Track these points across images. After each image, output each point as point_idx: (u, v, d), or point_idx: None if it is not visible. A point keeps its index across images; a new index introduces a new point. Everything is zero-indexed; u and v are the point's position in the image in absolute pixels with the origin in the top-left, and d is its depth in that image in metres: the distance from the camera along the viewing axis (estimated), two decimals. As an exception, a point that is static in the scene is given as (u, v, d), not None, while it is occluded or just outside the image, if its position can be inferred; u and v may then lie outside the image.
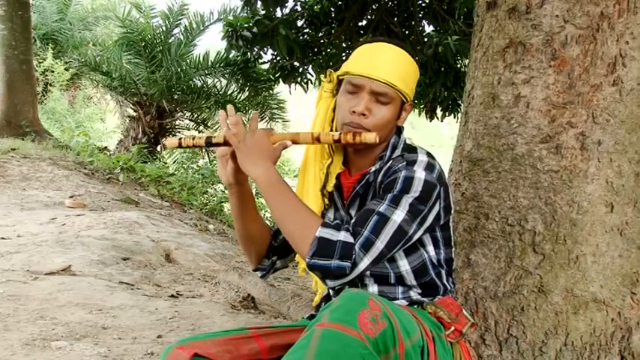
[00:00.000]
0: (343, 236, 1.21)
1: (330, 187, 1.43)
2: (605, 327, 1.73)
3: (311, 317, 1.44)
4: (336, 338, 1.05)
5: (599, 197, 1.74)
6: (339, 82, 1.43)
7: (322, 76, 1.47)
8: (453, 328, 1.36)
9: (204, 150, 11.09)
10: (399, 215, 1.25)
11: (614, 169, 1.74)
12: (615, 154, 1.74)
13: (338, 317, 1.07)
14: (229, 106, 1.38)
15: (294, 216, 1.27)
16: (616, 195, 1.74)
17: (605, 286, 1.73)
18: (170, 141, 1.39)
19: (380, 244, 1.23)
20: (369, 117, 1.35)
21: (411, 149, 1.39)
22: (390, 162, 1.37)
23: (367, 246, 1.21)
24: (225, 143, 1.35)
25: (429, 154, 1.37)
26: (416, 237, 1.30)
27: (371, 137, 1.32)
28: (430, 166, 1.32)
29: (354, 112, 1.34)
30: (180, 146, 1.37)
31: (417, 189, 1.28)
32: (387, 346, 1.09)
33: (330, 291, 1.47)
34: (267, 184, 1.29)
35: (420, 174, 1.30)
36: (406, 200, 1.27)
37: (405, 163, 1.33)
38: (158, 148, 1.41)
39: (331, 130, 1.42)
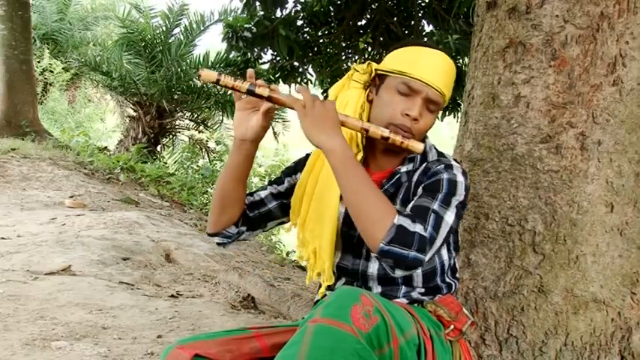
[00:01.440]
0: (419, 229, 1.20)
1: None
2: (605, 327, 1.73)
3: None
4: (329, 334, 1.05)
5: (599, 197, 1.74)
6: (377, 76, 1.40)
7: (357, 64, 1.42)
8: (452, 326, 1.36)
9: (204, 150, 11.11)
10: (449, 216, 1.27)
11: (614, 169, 1.74)
12: (615, 154, 1.74)
13: (330, 313, 1.08)
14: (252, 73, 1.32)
15: (372, 197, 1.22)
16: (616, 195, 1.74)
17: (605, 286, 1.73)
18: (207, 73, 1.28)
19: (438, 242, 1.24)
20: (419, 123, 1.35)
21: (443, 154, 1.41)
22: (426, 164, 1.37)
23: (431, 242, 1.22)
24: (268, 99, 1.29)
25: (456, 162, 1.39)
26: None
27: (419, 148, 1.32)
28: (464, 172, 1.35)
29: (407, 115, 1.33)
30: (217, 82, 1.28)
31: (460, 192, 1.30)
32: (380, 341, 1.10)
33: (327, 291, 1.47)
34: (345, 157, 1.23)
35: (460, 178, 1.32)
36: (454, 202, 1.29)
37: (443, 165, 1.34)
38: (198, 78, 1.30)
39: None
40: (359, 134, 1.39)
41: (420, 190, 1.32)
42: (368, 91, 1.42)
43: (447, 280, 1.41)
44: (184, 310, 2.82)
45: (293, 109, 1.29)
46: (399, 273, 1.23)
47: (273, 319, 2.92)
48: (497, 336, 1.76)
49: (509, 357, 1.74)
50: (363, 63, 1.42)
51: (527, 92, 1.79)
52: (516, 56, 1.82)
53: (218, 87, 10.62)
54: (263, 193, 1.48)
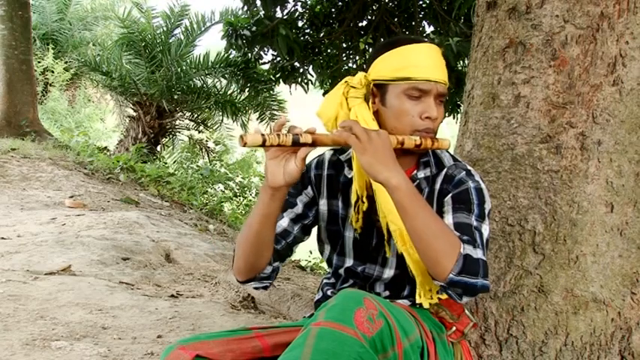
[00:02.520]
0: (480, 254, 1.21)
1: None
2: (605, 327, 1.73)
3: (312, 316, 1.44)
4: (332, 337, 1.05)
5: (599, 197, 1.74)
6: (374, 86, 1.37)
7: (350, 79, 1.38)
8: (454, 328, 1.36)
9: (203, 150, 11.11)
10: (486, 229, 1.29)
11: (614, 169, 1.74)
12: (615, 154, 1.74)
13: (334, 316, 1.07)
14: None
15: (438, 229, 1.20)
16: (616, 195, 1.74)
17: (605, 286, 1.73)
18: (252, 137, 1.18)
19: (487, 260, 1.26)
20: (438, 120, 1.35)
21: (454, 157, 1.41)
22: (446, 170, 1.36)
23: (487, 265, 1.24)
24: (313, 144, 1.23)
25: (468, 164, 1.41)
26: None
27: (446, 143, 1.34)
28: (480, 176, 1.37)
29: (427, 117, 1.32)
30: (263, 144, 1.19)
31: (487, 200, 1.32)
32: (384, 345, 1.09)
33: (329, 291, 1.47)
34: (410, 192, 1.20)
35: (483, 185, 1.34)
36: (486, 212, 1.31)
37: (464, 172, 1.34)
38: (239, 143, 1.17)
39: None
40: None
41: (449, 201, 1.31)
42: (370, 103, 1.38)
43: None
44: (184, 310, 2.82)
45: (344, 146, 1.25)
46: (465, 299, 1.23)
47: (274, 319, 2.91)
48: (497, 336, 1.76)
49: (509, 357, 1.74)
50: (353, 76, 1.38)
51: (527, 92, 1.80)
52: (516, 56, 1.82)
53: (218, 87, 10.69)
54: (284, 223, 1.42)
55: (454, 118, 6.76)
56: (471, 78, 1.98)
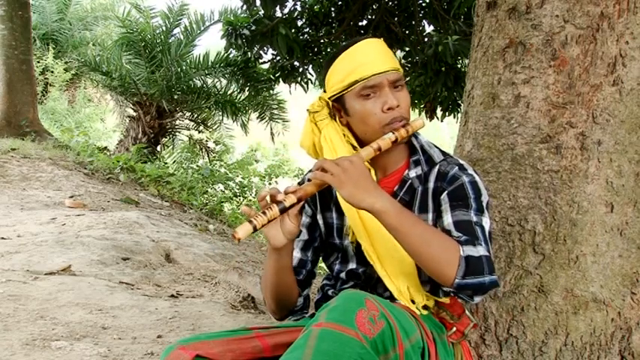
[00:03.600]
0: (483, 251, 1.21)
1: None
2: (605, 327, 1.73)
3: (312, 316, 1.44)
4: (333, 338, 1.05)
5: (599, 197, 1.74)
6: (334, 102, 1.40)
7: (309, 107, 1.42)
8: (454, 328, 1.36)
9: (203, 150, 11.11)
10: (486, 222, 1.29)
11: (614, 169, 1.74)
12: (615, 154, 1.74)
13: (335, 317, 1.07)
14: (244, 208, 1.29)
15: (433, 240, 1.21)
16: (616, 195, 1.74)
17: (605, 286, 1.73)
18: (243, 229, 1.21)
19: (492, 253, 1.26)
20: (401, 105, 1.35)
21: (444, 152, 1.42)
22: (438, 167, 1.36)
23: (492, 259, 1.24)
24: (299, 200, 1.26)
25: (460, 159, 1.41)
26: None
27: (420, 122, 1.34)
28: (474, 169, 1.37)
29: (389, 108, 1.33)
30: (255, 230, 1.22)
31: (484, 192, 1.33)
32: (385, 346, 1.09)
33: (330, 291, 1.47)
34: (397, 212, 1.21)
35: (477, 177, 1.34)
36: (484, 205, 1.31)
37: (457, 168, 1.35)
38: (235, 235, 1.22)
39: (354, 147, 1.38)
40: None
41: (445, 199, 1.31)
42: (338, 119, 1.41)
43: None
44: (184, 310, 2.82)
45: (326, 186, 1.26)
46: (477, 299, 1.24)
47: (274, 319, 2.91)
48: (497, 336, 1.76)
49: (509, 357, 1.74)
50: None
51: (527, 92, 1.79)
52: (516, 56, 1.82)
53: (218, 87, 10.68)
54: (297, 254, 1.47)
55: (454, 117, 6.76)
56: (471, 78, 1.98)
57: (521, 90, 1.80)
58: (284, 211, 1.25)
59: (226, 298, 3.17)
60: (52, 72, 13.72)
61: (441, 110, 7.03)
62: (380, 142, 1.31)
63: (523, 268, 1.76)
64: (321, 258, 1.52)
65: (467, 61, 5.78)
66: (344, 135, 1.39)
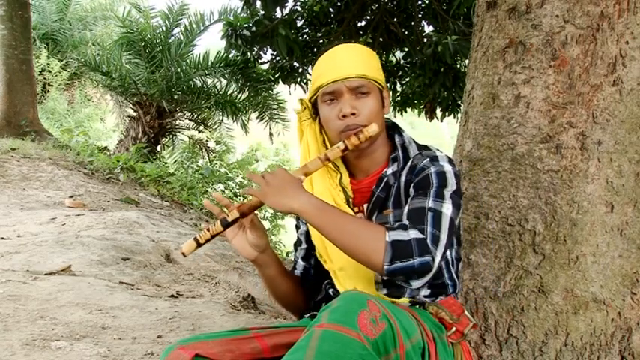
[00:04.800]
0: (414, 234, 1.21)
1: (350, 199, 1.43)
2: (605, 327, 1.73)
3: (312, 317, 1.44)
4: (335, 339, 1.05)
5: (599, 197, 1.74)
6: (314, 105, 1.44)
7: (295, 108, 1.48)
8: (454, 328, 1.36)
9: (203, 150, 11.11)
10: (447, 208, 1.28)
11: (614, 169, 1.74)
12: (615, 154, 1.74)
13: (337, 318, 1.08)
14: (215, 194, 1.40)
15: (356, 231, 1.23)
16: (616, 195, 1.75)
17: (605, 286, 1.73)
18: (187, 246, 1.34)
19: (444, 238, 1.24)
20: (359, 114, 1.36)
21: (425, 147, 1.42)
22: (411, 161, 1.38)
23: (435, 241, 1.23)
24: (242, 215, 1.33)
25: (439, 151, 1.40)
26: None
27: (374, 128, 1.34)
28: (451, 161, 1.36)
29: (343, 116, 1.35)
30: (198, 245, 1.33)
31: (451, 182, 1.32)
32: (387, 347, 1.10)
33: (331, 290, 1.47)
34: (315, 210, 1.25)
35: (448, 167, 1.33)
36: (447, 194, 1.30)
37: (428, 159, 1.35)
38: (181, 251, 1.36)
39: (326, 149, 1.43)
40: (330, 164, 1.42)
41: (411, 190, 1.33)
42: (317, 121, 1.45)
43: (454, 276, 1.41)
44: (184, 310, 2.82)
45: (259, 199, 1.32)
46: (415, 283, 1.25)
47: (273, 319, 2.91)
48: (497, 336, 1.76)
49: (509, 357, 1.74)
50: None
51: (527, 92, 1.80)
52: (516, 56, 1.82)
53: (218, 87, 10.69)
54: (301, 262, 1.53)
55: (454, 117, 6.77)
56: (471, 78, 1.98)
57: (521, 90, 1.80)
58: (227, 226, 1.33)
59: (226, 298, 3.17)
60: (51, 71, 13.71)
61: (441, 110, 7.04)
62: (329, 152, 1.35)
63: (523, 268, 1.76)
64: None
65: (466, 61, 5.79)
66: (320, 138, 1.44)
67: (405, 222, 1.25)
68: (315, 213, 1.25)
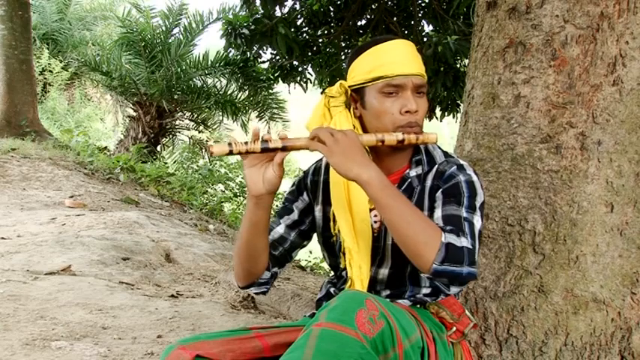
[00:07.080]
0: (466, 242, 1.20)
1: None
2: (605, 327, 1.73)
3: (312, 316, 1.44)
4: (333, 338, 1.05)
5: (599, 197, 1.74)
6: (352, 92, 1.39)
7: (328, 89, 1.41)
8: (454, 328, 1.36)
9: (204, 150, 11.11)
10: (477, 221, 1.27)
11: (614, 169, 1.74)
12: (615, 154, 1.74)
13: (335, 317, 1.08)
14: (254, 126, 1.31)
15: (416, 220, 1.20)
16: (616, 195, 1.74)
17: (605, 286, 1.73)
18: (219, 147, 1.24)
19: (477, 249, 1.24)
20: (419, 113, 1.34)
21: (448, 153, 1.41)
22: (437, 166, 1.37)
23: (475, 252, 1.22)
24: (284, 148, 1.27)
25: (462, 160, 1.40)
26: None
27: (433, 138, 1.33)
28: (475, 170, 1.36)
29: (407, 112, 1.32)
30: (230, 153, 1.24)
31: (480, 192, 1.31)
32: (385, 346, 1.10)
33: (332, 289, 1.47)
34: (382, 185, 1.21)
35: (475, 178, 1.33)
36: (477, 205, 1.29)
37: (455, 167, 1.34)
38: (210, 149, 1.24)
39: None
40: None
41: (439, 196, 1.31)
42: (352, 109, 1.40)
43: None
44: (184, 310, 2.82)
45: (313, 151, 1.26)
46: (454, 290, 1.24)
47: (274, 319, 2.92)
48: (497, 336, 1.76)
49: (509, 357, 1.74)
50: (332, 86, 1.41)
51: (527, 92, 1.80)
52: (516, 56, 1.82)
53: (218, 87, 10.69)
54: (280, 229, 1.45)
55: (454, 117, 6.76)
56: (471, 78, 1.98)
57: (521, 90, 1.80)
58: (265, 150, 1.26)
59: (226, 298, 3.17)
60: (51, 72, 13.72)
61: (441, 110, 7.03)
62: (386, 135, 1.31)
63: (523, 268, 1.76)
64: (322, 257, 1.52)
65: (466, 61, 5.79)
66: (354, 127, 1.38)
67: (444, 225, 1.24)
68: (381, 188, 1.21)
